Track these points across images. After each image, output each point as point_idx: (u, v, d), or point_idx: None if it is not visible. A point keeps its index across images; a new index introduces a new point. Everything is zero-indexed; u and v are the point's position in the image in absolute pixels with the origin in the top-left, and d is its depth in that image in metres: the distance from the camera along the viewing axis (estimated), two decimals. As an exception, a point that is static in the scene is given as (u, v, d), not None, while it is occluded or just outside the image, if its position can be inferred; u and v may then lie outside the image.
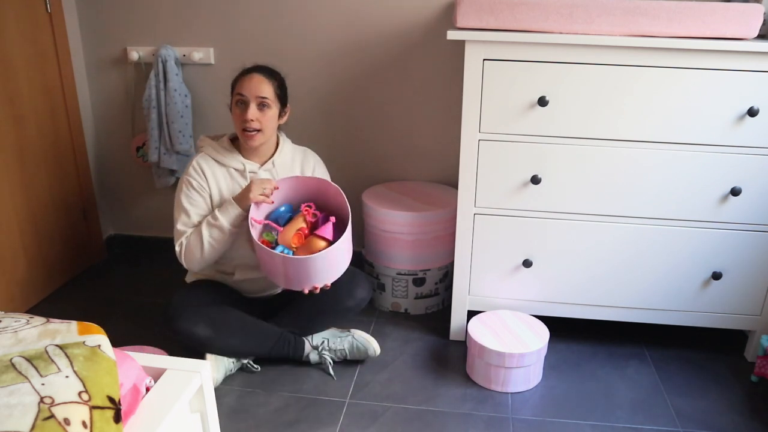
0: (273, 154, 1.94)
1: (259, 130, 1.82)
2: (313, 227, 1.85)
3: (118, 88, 2.54)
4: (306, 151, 2.03)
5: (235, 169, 1.89)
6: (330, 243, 1.78)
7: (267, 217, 1.87)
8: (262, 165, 1.91)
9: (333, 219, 1.82)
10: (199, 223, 1.86)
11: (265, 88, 1.81)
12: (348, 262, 1.85)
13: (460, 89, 2.33)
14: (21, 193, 2.23)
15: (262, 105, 1.81)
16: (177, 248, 1.87)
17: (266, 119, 1.83)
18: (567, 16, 1.74)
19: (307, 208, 1.85)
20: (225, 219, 1.79)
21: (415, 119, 2.40)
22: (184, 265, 1.87)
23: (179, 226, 1.87)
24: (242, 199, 1.80)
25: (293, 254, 1.77)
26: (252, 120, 1.80)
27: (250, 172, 1.89)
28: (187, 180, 1.87)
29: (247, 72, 1.85)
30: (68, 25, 2.41)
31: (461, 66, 2.29)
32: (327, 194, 1.89)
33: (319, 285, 1.78)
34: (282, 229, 1.81)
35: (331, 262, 1.75)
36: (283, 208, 1.87)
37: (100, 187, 2.70)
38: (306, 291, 1.79)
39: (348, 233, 1.79)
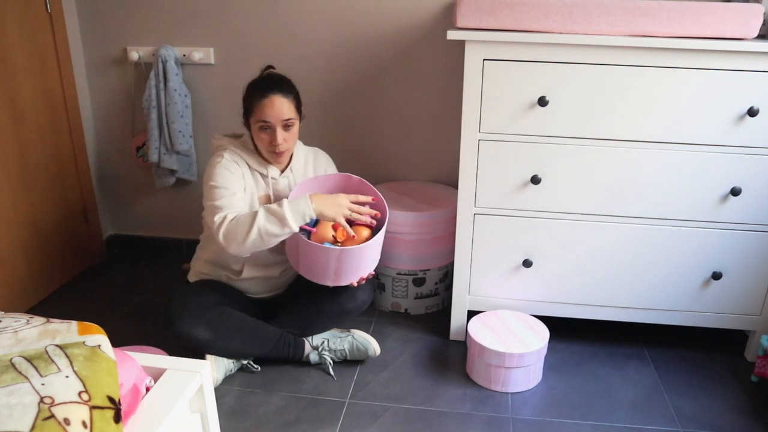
0: (290, 161, 1.94)
1: (288, 148, 1.83)
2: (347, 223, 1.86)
3: (118, 88, 2.54)
4: (317, 152, 2.03)
5: (260, 173, 1.89)
6: (372, 229, 1.84)
7: None
8: (282, 172, 1.91)
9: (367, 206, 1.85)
10: (242, 205, 1.76)
11: (287, 109, 1.78)
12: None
13: (460, 89, 2.33)
14: (21, 194, 2.23)
15: (287, 126, 1.80)
16: (217, 220, 1.70)
17: (292, 136, 1.83)
18: (567, 16, 1.74)
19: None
20: (292, 212, 1.66)
21: (415, 119, 2.40)
22: (220, 240, 1.70)
23: (217, 202, 1.72)
24: (325, 206, 1.69)
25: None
26: (282, 143, 1.79)
27: (272, 178, 1.89)
28: (223, 164, 1.79)
29: (265, 93, 1.77)
30: (68, 25, 2.41)
31: (461, 66, 2.29)
32: (350, 188, 1.91)
33: (365, 275, 1.83)
34: (314, 229, 1.81)
35: (378, 247, 1.82)
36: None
37: (100, 187, 2.70)
38: (356, 283, 1.83)
39: (387, 216, 1.84)
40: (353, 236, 1.79)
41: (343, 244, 1.81)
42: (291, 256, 1.86)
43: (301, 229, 1.82)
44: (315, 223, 1.86)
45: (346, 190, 1.92)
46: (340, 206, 1.75)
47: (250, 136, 1.90)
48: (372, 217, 1.82)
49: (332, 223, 1.80)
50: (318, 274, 1.80)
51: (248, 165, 1.87)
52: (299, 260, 1.82)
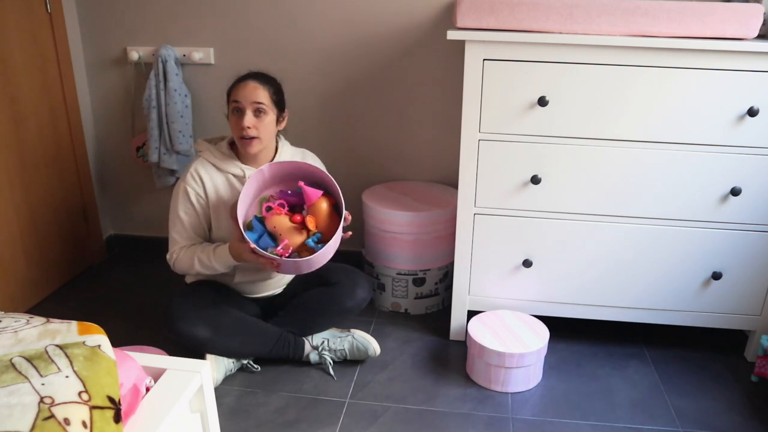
0: (272, 160, 1.92)
1: (256, 137, 1.80)
2: (293, 208, 1.82)
3: (118, 88, 2.54)
4: (305, 153, 2.01)
5: (234, 175, 1.88)
6: (323, 194, 1.79)
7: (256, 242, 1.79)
8: None
9: (300, 183, 1.79)
10: (194, 235, 1.88)
11: (261, 94, 1.79)
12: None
13: (460, 89, 2.33)
14: (21, 193, 2.23)
15: (258, 111, 1.79)
16: (169, 257, 1.90)
17: (263, 125, 1.81)
18: (567, 16, 1.74)
19: (266, 211, 1.79)
20: (219, 264, 1.82)
21: (415, 119, 2.40)
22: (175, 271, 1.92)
23: (174, 235, 1.89)
24: (238, 254, 1.76)
25: (320, 234, 1.76)
26: (249, 127, 1.78)
27: (249, 178, 1.87)
28: (184, 188, 1.85)
29: (241, 79, 1.83)
30: (68, 25, 2.41)
31: (461, 66, 2.29)
32: (286, 173, 1.85)
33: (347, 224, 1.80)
34: (286, 240, 1.75)
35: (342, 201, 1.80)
36: (255, 236, 1.78)
37: (100, 188, 2.70)
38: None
39: (331, 179, 1.79)
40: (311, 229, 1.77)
41: (319, 227, 1.76)
42: (294, 273, 1.81)
43: (279, 255, 1.74)
44: (270, 235, 1.79)
45: (286, 176, 1.86)
46: (243, 251, 1.74)
47: (229, 141, 1.92)
48: (324, 191, 1.82)
49: (287, 221, 1.76)
50: (319, 264, 1.76)
51: (220, 169, 1.86)
52: (303, 272, 1.77)
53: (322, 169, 1.88)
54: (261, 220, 1.81)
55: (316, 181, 1.85)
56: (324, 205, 1.77)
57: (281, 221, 1.77)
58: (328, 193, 1.83)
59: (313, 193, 1.78)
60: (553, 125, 1.83)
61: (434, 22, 2.25)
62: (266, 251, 1.73)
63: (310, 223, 1.76)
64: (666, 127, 1.80)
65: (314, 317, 1.96)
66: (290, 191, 1.84)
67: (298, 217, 1.77)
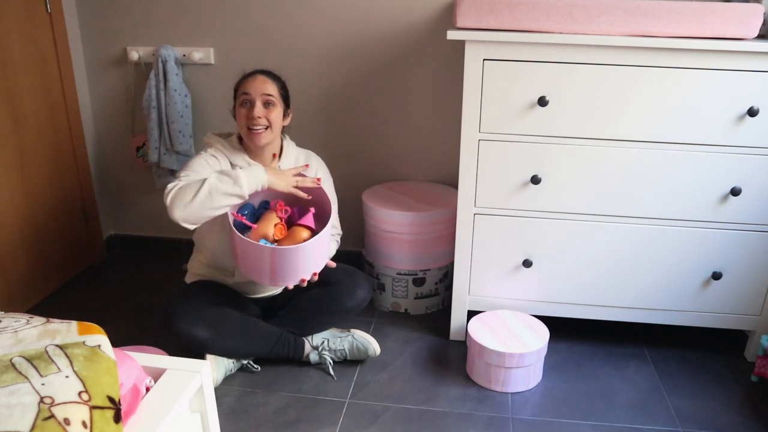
0: (278, 158, 1.93)
1: (267, 127, 1.83)
2: (288, 222, 1.84)
3: (118, 88, 2.54)
4: (309, 154, 2.03)
5: (241, 168, 1.88)
6: (313, 232, 1.79)
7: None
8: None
9: (313, 209, 1.82)
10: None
11: (270, 87, 1.83)
12: (329, 254, 1.87)
13: (460, 89, 2.33)
14: (21, 193, 2.23)
15: (267, 103, 1.82)
16: (170, 186, 1.69)
17: (272, 117, 1.83)
18: (567, 16, 1.74)
19: (273, 204, 1.84)
20: (247, 174, 1.69)
21: (415, 119, 2.40)
22: (167, 204, 1.66)
23: (182, 175, 1.75)
24: (277, 177, 1.76)
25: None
26: (259, 117, 1.80)
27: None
28: (201, 156, 1.83)
29: (250, 74, 1.86)
30: (68, 25, 2.41)
31: (461, 66, 2.29)
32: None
33: (307, 277, 1.77)
34: (255, 225, 1.78)
35: (318, 250, 1.75)
36: (247, 211, 1.85)
37: (100, 188, 2.70)
38: (291, 286, 1.78)
39: (332, 219, 1.81)
40: (285, 234, 1.78)
41: (281, 243, 1.76)
42: (233, 252, 1.81)
43: (242, 225, 1.79)
44: (257, 218, 1.83)
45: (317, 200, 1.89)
46: (288, 179, 1.80)
47: (238, 135, 1.92)
48: (314, 217, 1.83)
49: (275, 222, 1.78)
50: (255, 273, 1.75)
51: (230, 162, 1.87)
52: (238, 256, 1.77)
53: (330, 187, 1.98)
54: (264, 208, 1.85)
55: (320, 211, 1.87)
56: (303, 234, 1.77)
57: (268, 218, 1.79)
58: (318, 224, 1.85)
59: (308, 220, 1.80)
60: (553, 125, 1.83)
61: (434, 22, 2.25)
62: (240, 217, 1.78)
63: (279, 230, 1.78)
64: (666, 127, 1.80)
65: (314, 317, 1.96)
66: (294, 207, 1.88)
67: (279, 226, 1.79)
